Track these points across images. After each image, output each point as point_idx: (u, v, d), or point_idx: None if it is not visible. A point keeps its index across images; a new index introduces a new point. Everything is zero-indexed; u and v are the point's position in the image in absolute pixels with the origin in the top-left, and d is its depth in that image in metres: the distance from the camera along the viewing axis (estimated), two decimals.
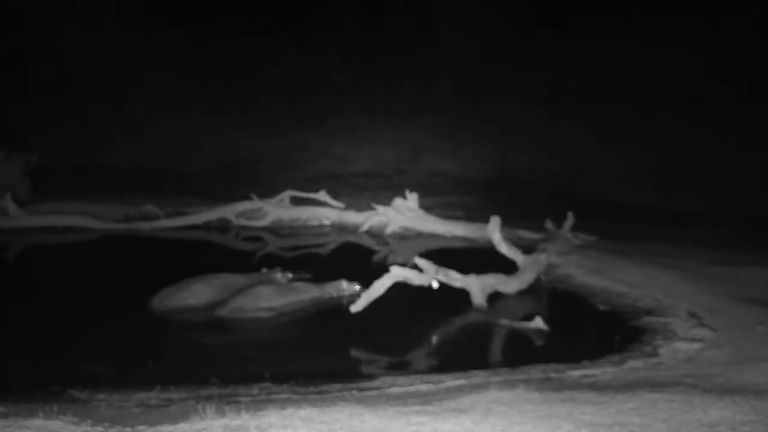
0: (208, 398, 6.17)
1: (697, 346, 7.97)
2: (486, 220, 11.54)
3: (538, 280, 11.12)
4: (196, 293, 9.60)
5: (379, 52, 27.92)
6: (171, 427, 5.31)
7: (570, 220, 13.59)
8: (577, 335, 8.79)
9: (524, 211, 14.90)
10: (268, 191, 16.32)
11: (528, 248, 12.02)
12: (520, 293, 10.60)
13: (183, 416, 5.53)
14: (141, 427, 5.33)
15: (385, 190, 16.99)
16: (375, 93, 27.12)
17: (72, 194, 17.18)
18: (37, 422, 5.31)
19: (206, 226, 15.35)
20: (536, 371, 7.16)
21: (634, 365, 7.38)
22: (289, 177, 20.48)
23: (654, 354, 7.83)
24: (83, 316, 9.04)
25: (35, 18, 27.24)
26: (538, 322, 8.88)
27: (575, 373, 7.07)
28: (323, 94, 27.68)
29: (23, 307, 9.43)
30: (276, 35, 28.90)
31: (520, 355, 7.93)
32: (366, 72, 28.35)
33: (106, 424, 5.38)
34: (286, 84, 28.40)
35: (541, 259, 11.47)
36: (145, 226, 14.98)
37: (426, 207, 15.21)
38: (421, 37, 28.47)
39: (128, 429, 5.30)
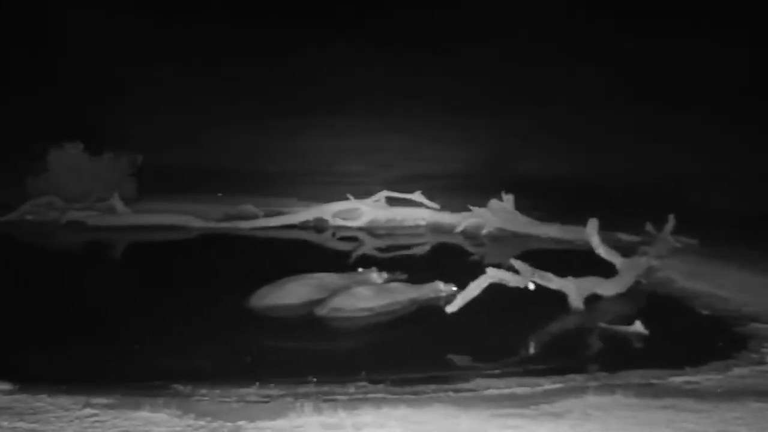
0: (306, 396, 6.27)
1: None
2: (582, 223, 11.36)
3: (637, 283, 10.86)
4: (294, 292, 9.75)
5: (458, 50, 27.74)
6: (269, 423, 5.44)
7: (671, 223, 13.24)
8: (679, 340, 8.55)
9: (621, 214, 14.57)
10: (360, 191, 16.46)
11: (626, 251, 11.77)
12: (619, 296, 10.38)
13: (281, 413, 5.65)
14: (241, 422, 5.47)
15: (479, 190, 16.88)
16: (463, 93, 26.98)
17: (175, 194, 17.77)
18: (144, 414, 5.52)
19: (303, 226, 15.58)
20: (635, 376, 6.99)
21: (740, 373, 7.12)
22: (380, 177, 20.62)
23: (761, 362, 7.54)
24: (185, 313, 9.30)
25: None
26: (638, 326, 8.68)
27: (676, 379, 6.87)
28: (414, 95, 27.68)
29: (128, 304, 9.76)
30: (354, 35, 29.02)
31: (618, 359, 7.75)
32: (455, 72, 28.22)
33: (208, 419, 5.54)
34: (374, 85, 28.52)
35: (641, 262, 11.20)
36: (244, 225, 15.30)
37: (521, 208, 15.09)
38: (510, 36, 28.13)
39: (229, 424, 5.44)
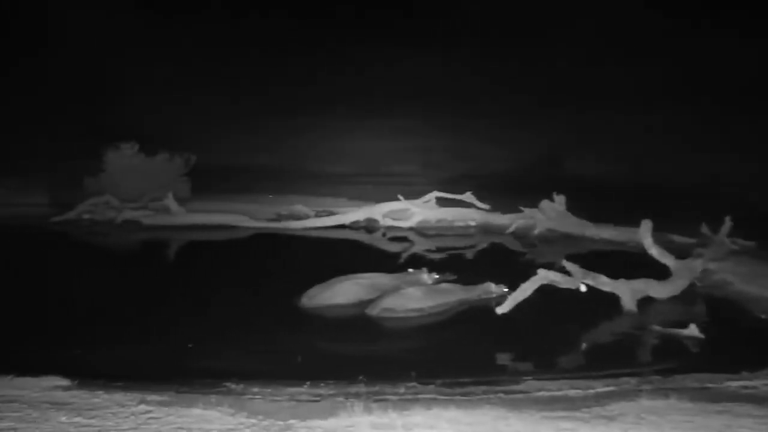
0: (357, 395, 6.30)
1: None
2: (635, 224, 11.21)
3: (692, 285, 10.67)
4: (344, 292, 9.79)
5: (516, 51, 27.57)
6: (320, 423, 5.47)
7: (727, 224, 12.97)
8: (736, 344, 8.39)
9: (675, 216, 14.33)
10: (411, 192, 16.46)
11: (680, 253, 11.58)
12: (673, 299, 10.21)
13: (332, 412, 5.68)
14: (292, 421, 5.51)
15: (530, 191, 16.74)
16: (512, 92, 26.81)
17: (227, 194, 18.01)
18: (197, 412, 5.60)
19: (354, 226, 15.62)
20: (690, 380, 6.87)
21: None
22: (431, 177, 20.61)
23: None
24: (236, 312, 9.43)
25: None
26: (693, 330, 8.54)
27: (733, 384, 6.73)
28: (463, 95, 27.60)
29: (181, 302, 9.92)
30: (415, 36, 29.01)
31: (673, 363, 7.61)
32: (504, 71, 28.07)
33: (260, 417, 5.59)
34: (425, 85, 28.52)
35: (696, 264, 10.99)
36: (295, 225, 15.40)
37: (572, 209, 14.93)
38: (561, 35, 27.88)
39: (280, 422, 5.49)
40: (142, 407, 5.72)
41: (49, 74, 26.33)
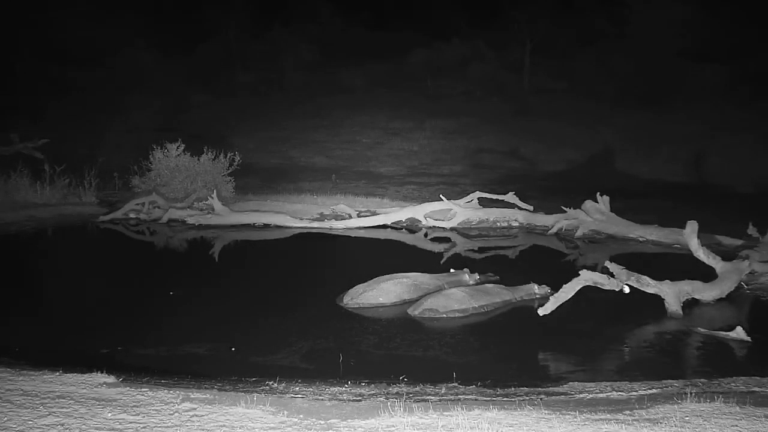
0: (398, 395, 6.34)
1: None
2: (681, 225, 11.06)
3: (739, 288, 10.50)
4: (386, 292, 9.82)
5: (571, 52, 27.48)
6: (361, 422, 5.49)
7: None
8: None
9: (722, 217, 14.11)
10: (455, 192, 16.43)
11: (727, 254, 11.39)
12: (719, 301, 10.06)
13: (373, 412, 5.71)
14: (333, 420, 5.55)
15: (574, 192, 16.59)
16: (567, 93, 26.70)
17: (270, 194, 18.17)
18: (239, 410, 5.66)
19: (396, 226, 15.62)
20: (737, 384, 6.78)
21: None
22: (477, 178, 20.57)
23: None
24: (279, 311, 9.49)
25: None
26: (739, 332, 8.40)
27: None
28: (514, 95, 27.54)
29: (223, 301, 10.04)
30: (467, 36, 29.05)
31: (718, 366, 7.51)
32: (558, 72, 27.98)
33: (301, 416, 5.64)
34: (477, 84, 28.51)
35: (743, 266, 10.80)
36: (337, 224, 15.44)
37: (617, 210, 14.77)
38: (616, 35, 27.73)
39: (321, 421, 5.52)
40: (186, 405, 5.80)
41: (96, 78, 26.86)
